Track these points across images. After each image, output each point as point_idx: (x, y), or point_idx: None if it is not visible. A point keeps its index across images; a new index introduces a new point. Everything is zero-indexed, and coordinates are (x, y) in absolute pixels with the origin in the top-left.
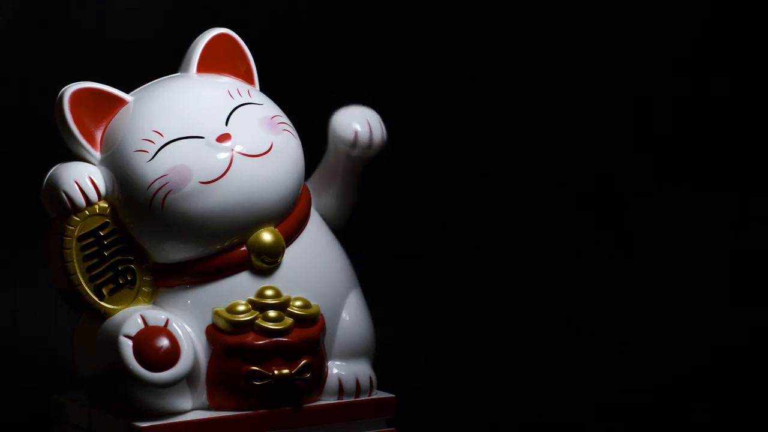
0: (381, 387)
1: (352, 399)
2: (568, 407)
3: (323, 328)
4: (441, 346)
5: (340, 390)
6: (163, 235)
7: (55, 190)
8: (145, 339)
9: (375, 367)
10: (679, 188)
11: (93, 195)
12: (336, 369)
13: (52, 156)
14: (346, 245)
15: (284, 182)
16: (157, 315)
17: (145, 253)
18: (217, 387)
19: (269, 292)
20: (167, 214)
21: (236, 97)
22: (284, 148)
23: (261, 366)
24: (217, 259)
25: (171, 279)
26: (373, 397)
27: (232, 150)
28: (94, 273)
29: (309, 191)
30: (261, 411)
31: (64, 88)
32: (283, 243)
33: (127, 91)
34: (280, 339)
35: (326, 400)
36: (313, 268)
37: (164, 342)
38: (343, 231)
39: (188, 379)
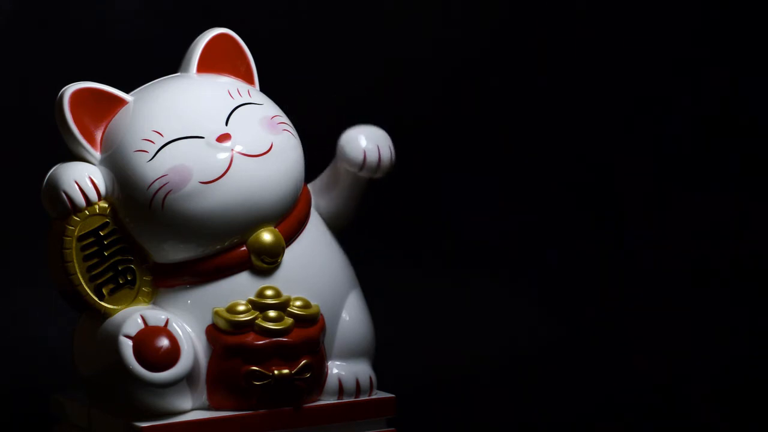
0: (381, 387)
1: (352, 399)
2: (568, 407)
3: (323, 328)
4: (441, 346)
5: (340, 390)
6: (163, 235)
7: (55, 190)
8: (145, 339)
9: (375, 367)
10: (679, 188)
11: (93, 195)
12: (336, 369)
13: (52, 156)
14: (346, 245)
15: (284, 182)
16: (157, 315)
17: (145, 253)
18: (217, 387)
19: (269, 292)
20: (167, 214)
21: (236, 97)
22: (284, 148)
23: (261, 366)
24: (217, 259)
25: (171, 279)
26: (373, 397)
27: (232, 150)
28: (94, 273)
29: (309, 191)
30: (261, 411)
31: (64, 88)
32: (283, 243)
33: (127, 91)
34: (280, 339)
35: (326, 400)
36: (313, 268)
37: (164, 342)
38: (343, 231)
39: (188, 379)
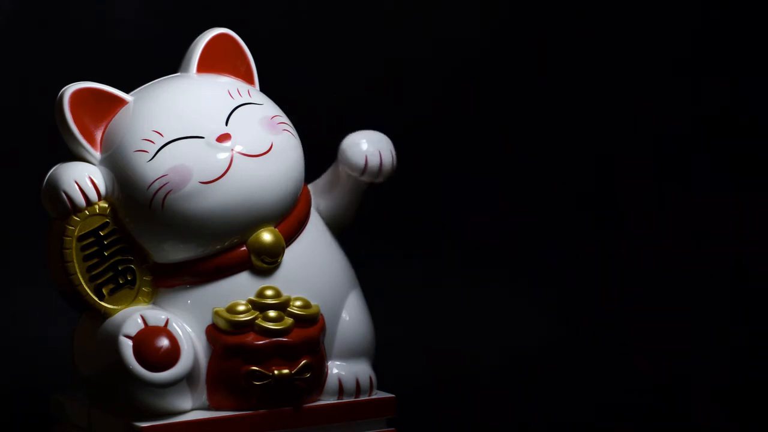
0: (381, 387)
1: (352, 399)
2: (568, 407)
3: (323, 328)
4: (441, 346)
5: (340, 390)
6: (163, 235)
7: (55, 190)
8: (145, 339)
9: (375, 367)
10: (679, 188)
11: (93, 195)
12: (336, 369)
13: (52, 156)
14: (346, 245)
15: (284, 182)
16: (157, 315)
17: (145, 253)
18: (217, 387)
19: (269, 292)
20: (167, 214)
21: (236, 97)
22: (284, 148)
23: (261, 366)
24: (217, 259)
25: (171, 279)
26: (373, 397)
27: (232, 150)
28: (94, 273)
29: (309, 191)
30: (261, 411)
31: (64, 88)
32: (283, 243)
33: (127, 91)
34: (280, 339)
35: (326, 400)
36: (313, 268)
37: (164, 342)
38: (343, 231)
39: (188, 379)
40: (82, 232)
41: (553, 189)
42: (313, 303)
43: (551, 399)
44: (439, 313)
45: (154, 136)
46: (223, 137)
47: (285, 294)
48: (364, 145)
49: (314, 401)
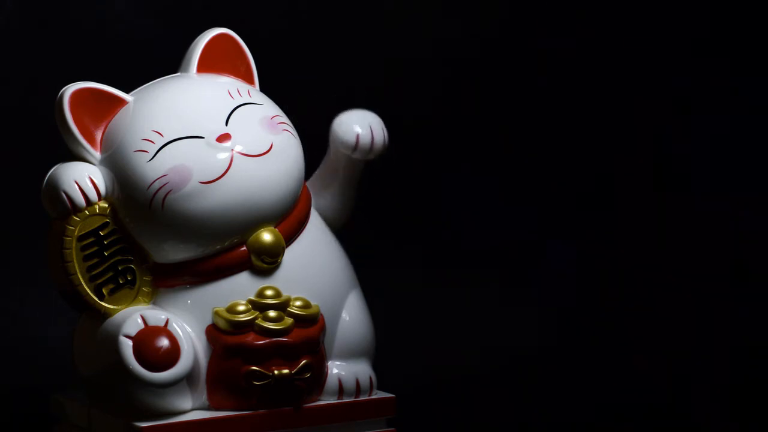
0: (381, 387)
1: (352, 399)
2: (568, 407)
3: (323, 328)
4: (441, 346)
5: (340, 390)
6: (163, 235)
7: (55, 190)
8: (145, 339)
9: (375, 367)
10: (679, 188)
11: (93, 195)
12: (336, 369)
13: (52, 156)
14: (346, 245)
15: (284, 182)
16: (157, 315)
17: (145, 253)
18: (217, 387)
19: (269, 292)
20: (167, 214)
21: (236, 97)
22: (284, 148)
23: (261, 366)
24: (217, 259)
25: (171, 279)
26: (373, 397)
27: (232, 150)
28: (94, 273)
29: (309, 191)
30: (261, 411)
31: (64, 88)
32: (283, 243)
33: (127, 91)
34: (280, 339)
35: (326, 400)
36: (313, 268)
37: (164, 342)
38: (343, 231)
39: (188, 379)
40: (82, 232)
41: (553, 189)
42: (313, 303)
43: (551, 399)
44: (439, 313)
45: (154, 136)
46: (223, 137)
47: (285, 294)
48: (355, 122)
49: (314, 401)
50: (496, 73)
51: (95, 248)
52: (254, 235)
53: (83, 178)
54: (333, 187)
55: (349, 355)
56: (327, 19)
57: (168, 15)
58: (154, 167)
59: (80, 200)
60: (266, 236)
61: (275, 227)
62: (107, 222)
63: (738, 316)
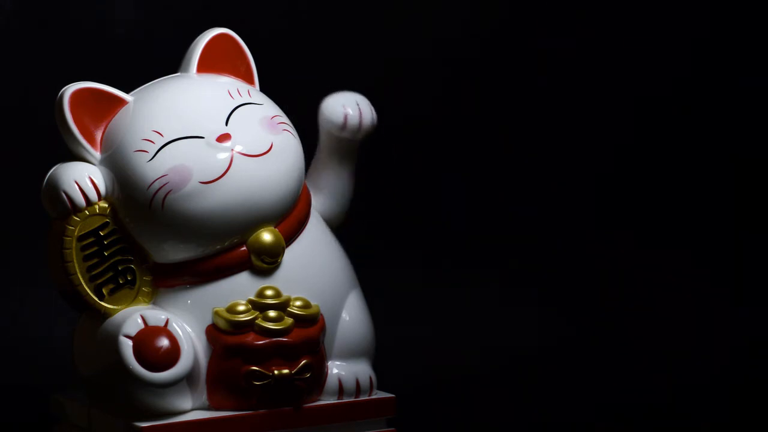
0: (381, 387)
1: (352, 399)
2: (568, 407)
3: (323, 328)
4: (441, 346)
5: (340, 390)
6: (163, 235)
7: (55, 190)
8: (145, 339)
9: (375, 367)
10: (679, 188)
11: (93, 195)
12: (336, 369)
13: (52, 156)
14: (346, 245)
15: (284, 182)
16: (157, 315)
17: (145, 253)
18: (217, 387)
19: (269, 292)
20: (167, 214)
21: (236, 97)
22: (284, 148)
23: (261, 366)
24: (217, 259)
25: (171, 279)
26: (373, 397)
27: (232, 150)
28: (94, 273)
29: (309, 191)
30: (261, 411)
31: (64, 88)
32: (283, 243)
33: (127, 91)
34: (280, 339)
35: (326, 400)
36: (313, 268)
37: (164, 342)
38: (343, 231)
39: (188, 379)
40: (82, 232)
41: (553, 189)
42: (313, 303)
43: (551, 399)
44: (439, 313)
45: (154, 136)
46: (223, 137)
47: (285, 294)
48: (342, 101)
49: (314, 401)
50: (496, 73)
51: (95, 248)
52: (254, 235)
53: (83, 178)
54: (328, 177)
55: (349, 355)
56: (327, 19)
57: (168, 15)
58: (154, 167)
59: (80, 200)
60: (266, 236)
61: (275, 227)
62: (107, 222)
63: (738, 316)
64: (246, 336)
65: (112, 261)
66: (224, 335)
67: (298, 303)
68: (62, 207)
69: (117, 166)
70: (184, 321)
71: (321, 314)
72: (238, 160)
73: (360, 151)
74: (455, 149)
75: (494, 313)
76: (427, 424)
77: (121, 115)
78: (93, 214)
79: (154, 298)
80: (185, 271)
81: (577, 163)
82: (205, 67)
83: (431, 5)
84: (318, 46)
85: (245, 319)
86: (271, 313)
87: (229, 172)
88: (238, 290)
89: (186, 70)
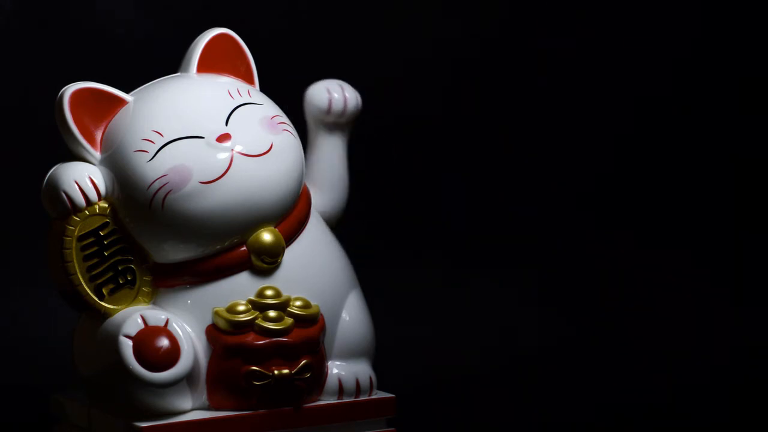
0: (381, 387)
1: (352, 399)
2: (568, 407)
3: (323, 328)
4: (441, 346)
5: (340, 390)
6: (163, 235)
7: (55, 190)
8: (145, 339)
9: (375, 367)
10: (679, 188)
11: (93, 195)
12: (336, 369)
13: (52, 156)
14: (346, 245)
15: (284, 182)
16: (157, 315)
17: (145, 253)
18: (217, 387)
19: (269, 292)
20: (167, 214)
21: (236, 97)
22: (284, 148)
23: (261, 366)
24: (217, 259)
25: (171, 279)
26: (373, 397)
27: (232, 150)
28: (94, 273)
29: (309, 191)
30: (261, 411)
31: (64, 88)
32: (283, 243)
33: (127, 91)
34: (280, 339)
35: (326, 400)
36: (313, 268)
37: (164, 342)
38: (343, 231)
39: (188, 379)
40: (82, 232)
41: (553, 189)
42: (313, 303)
43: (551, 399)
44: (439, 313)
45: (154, 136)
46: (223, 137)
47: (285, 294)
48: (326, 86)
49: (314, 401)
50: (496, 73)
51: (95, 248)
52: (254, 235)
53: (83, 178)
54: (320, 169)
55: (349, 355)
56: (327, 19)
57: (168, 15)
58: (154, 167)
59: (80, 200)
60: (266, 236)
61: (275, 227)
62: (107, 222)
63: (738, 316)
64: (246, 336)
65: (112, 261)
66: (224, 335)
67: (298, 303)
68: (62, 207)
69: (117, 166)
70: (184, 321)
71: (321, 314)
72: (238, 160)
73: (360, 151)
74: (455, 149)
75: (494, 313)
76: (427, 424)
77: (121, 115)
78: (93, 214)
79: (154, 298)
80: (185, 271)
81: (577, 163)
82: (205, 67)
83: (431, 5)
84: (318, 46)
85: (245, 319)
86: (271, 313)
87: (229, 172)
88: (238, 290)
89: (186, 70)
